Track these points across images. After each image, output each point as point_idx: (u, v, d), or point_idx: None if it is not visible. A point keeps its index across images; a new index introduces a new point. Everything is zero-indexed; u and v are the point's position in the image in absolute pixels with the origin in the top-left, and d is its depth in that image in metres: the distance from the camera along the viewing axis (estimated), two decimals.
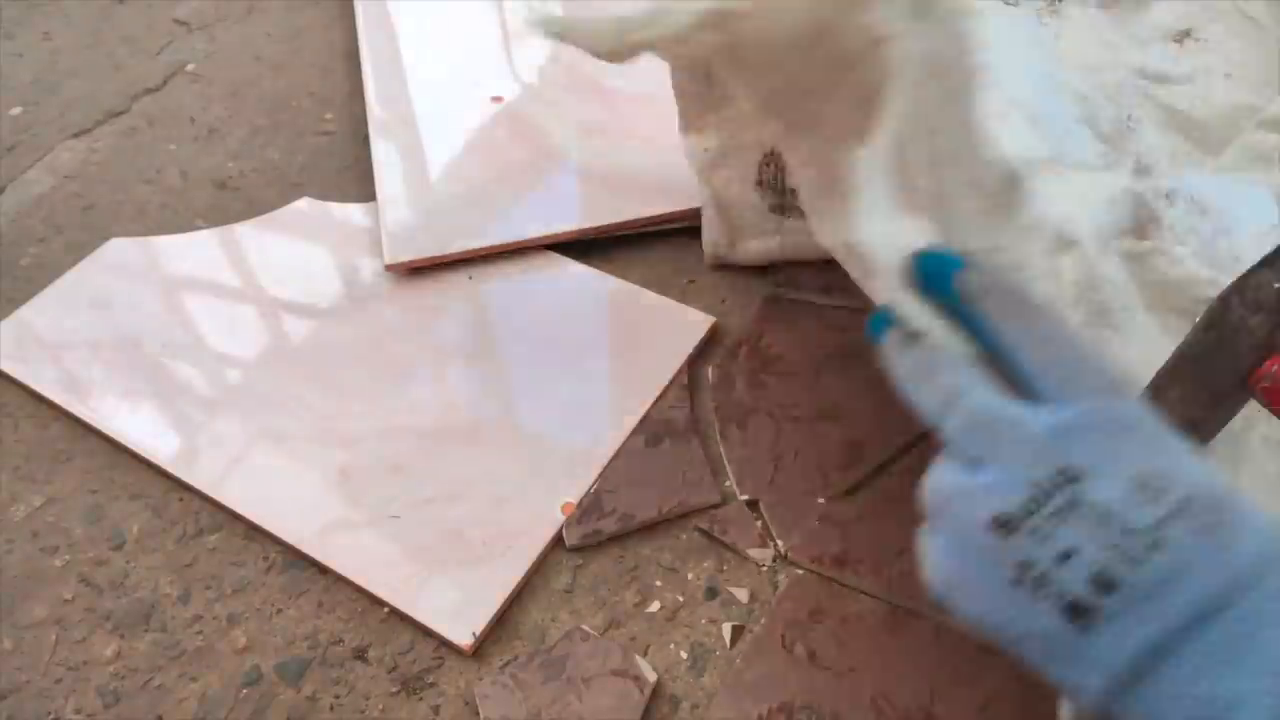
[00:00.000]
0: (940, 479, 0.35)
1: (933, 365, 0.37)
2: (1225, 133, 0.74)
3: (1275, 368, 0.50)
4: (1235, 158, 0.73)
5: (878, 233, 0.47)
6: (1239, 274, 0.50)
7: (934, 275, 0.39)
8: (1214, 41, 0.79)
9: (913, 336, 0.38)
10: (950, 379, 0.36)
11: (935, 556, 0.35)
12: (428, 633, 0.63)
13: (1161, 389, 0.56)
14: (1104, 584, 0.31)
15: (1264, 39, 0.80)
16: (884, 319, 0.39)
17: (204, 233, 0.86)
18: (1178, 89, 0.77)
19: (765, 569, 0.65)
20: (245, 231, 0.86)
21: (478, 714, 0.59)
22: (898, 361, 0.38)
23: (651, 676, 0.60)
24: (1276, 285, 0.48)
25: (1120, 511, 0.31)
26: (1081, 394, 0.34)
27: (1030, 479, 0.33)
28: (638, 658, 0.61)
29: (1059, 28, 0.80)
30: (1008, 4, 0.83)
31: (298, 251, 0.85)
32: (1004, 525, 0.33)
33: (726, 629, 0.63)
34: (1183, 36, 0.79)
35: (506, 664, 0.61)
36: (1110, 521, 0.31)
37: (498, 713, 0.59)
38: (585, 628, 0.63)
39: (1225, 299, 0.50)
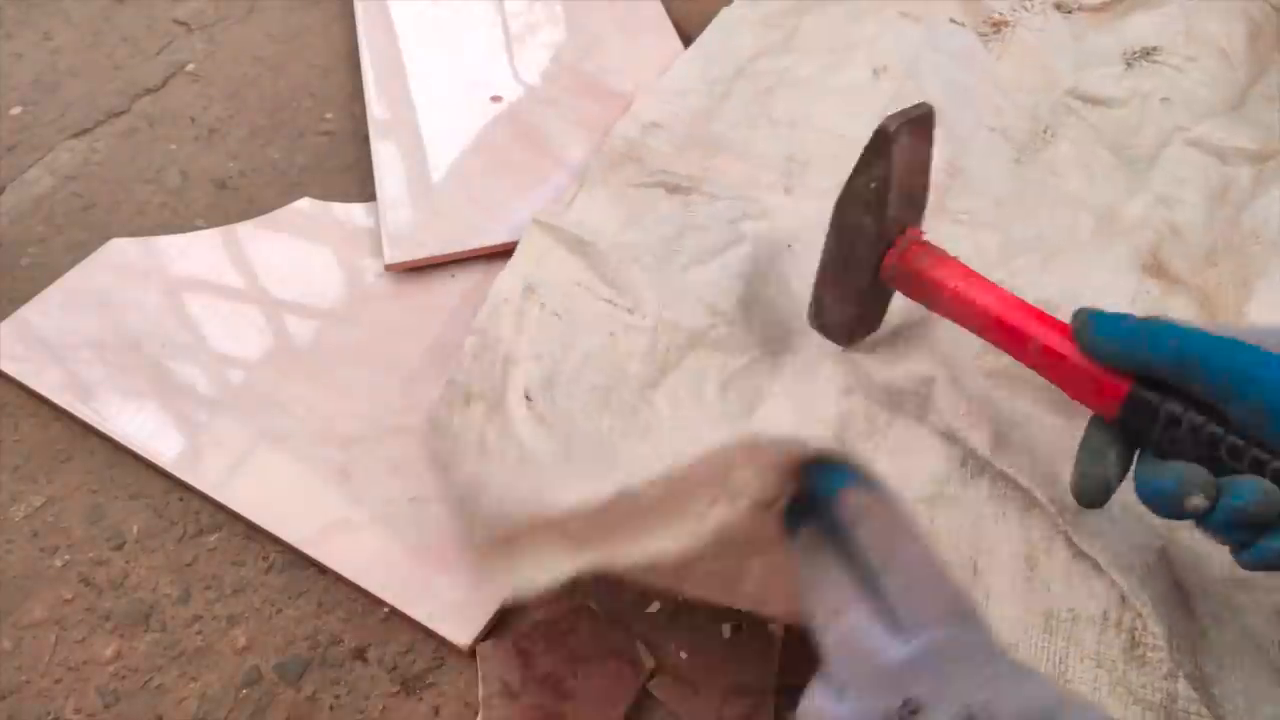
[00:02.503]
0: (811, 705, 0.39)
1: (826, 576, 0.41)
2: (1150, 150, 0.78)
3: (892, 261, 0.54)
4: (1162, 171, 0.76)
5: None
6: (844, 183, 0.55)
7: (822, 489, 0.42)
8: (1170, 66, 0.83)
9: (817, 543, 0.41)
10: (836, 595, 0.40)
11: None
12: (428, 633, 0.63)
13: (819, 299, 0.60)
14: None
15: (1227, 73, 0.83)
16: (797, 513, 0.42)
17: (204, 233, 0.86)
18: (1110, 111, 0.82)
19: None
20: (246, 231, 0.86)
21: (478, 713, 0.59)
22: (801, 560, 0.42)
23: (649, 662, 0.60)
24: (872, 185, 0.52)
25: None
26: (929, 623, 0.37)
27: (881, 710, 0.35)
28: (638, 642, 0.61)
29: (1001, 50, 0.86)
30: (953, 22, 0.87)
31: (298, 251, 0.85)
32: None
33: (726, 629, 0.63)
34: (1139, 57, 0.83)
35: (512, 629, 0.62)
36: None
37: (495, 673, 0.60)
38: (591, 605, 0.63)
39: (839, 207, 0.54)
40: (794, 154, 0.80)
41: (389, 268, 0.82)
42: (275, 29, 1.09)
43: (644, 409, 0.64)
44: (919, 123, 0.54)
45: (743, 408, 0.63)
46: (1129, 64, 0.84)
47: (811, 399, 0.62)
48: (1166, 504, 0.45)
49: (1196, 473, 0.44)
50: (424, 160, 0.90)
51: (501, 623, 0.63)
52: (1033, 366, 0.51)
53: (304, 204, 0.89)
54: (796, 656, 0.60)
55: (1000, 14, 0.88)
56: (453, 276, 0.82)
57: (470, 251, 0.83)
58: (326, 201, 0.89)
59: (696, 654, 0.62)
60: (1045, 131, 0.80)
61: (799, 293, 0.67)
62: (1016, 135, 0.80)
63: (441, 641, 0.63)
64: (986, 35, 0.86)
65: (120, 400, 0.74)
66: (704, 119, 0.82)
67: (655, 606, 0.64)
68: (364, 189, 0.90)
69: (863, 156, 0.53)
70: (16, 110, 0.99)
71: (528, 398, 0.65)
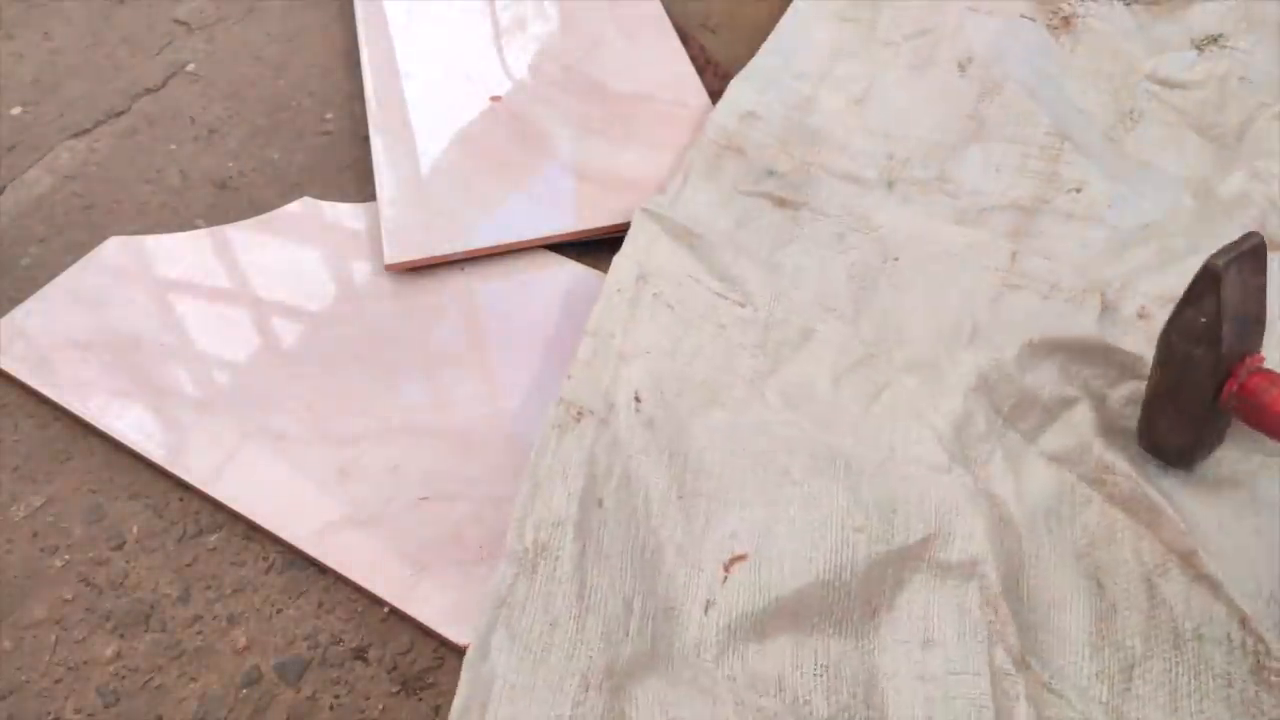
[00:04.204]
0: None
1: None
2: (1237, 128, 0.80)
3: (1234, 387, 0.53)
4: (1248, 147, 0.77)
5: None
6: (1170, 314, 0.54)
7: None
8: (1240, 50, 0.86)
9: None
10: None
11: None
12: (428, 633, 0.63)
13: (1151, 423, 0.59)
14: None
15: None
16: None
17: (202, 233, 0.86)
18: (1190, 93, 0.84)
19: None
20: (243, 232, 0.86)
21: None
22: None
23: None
24: (1202, 320, 0.51)
25: None
26: None
27: None
28: None
29: (1072, 42, 0.87)
30: (1024, 18, 0.88)
31: (294, 253, 0.85)
32: None
33: None
34: (1209, 43, 0.85)
35: None
36: None
37: None
38: None
39: (1166, 338, 0.54)
40: (893, 152, 0.81)
41: (389, 268, 0.82)
42: (275, 29, 1.08)
43: (755, 403, 0.65)
44: (1250, 256, 0.53)
45: (860, 401, 0.64)
46: (1200, 49, 0.87)
47: (935, 395, 0.63)
48: None
49: None
50: (423, 160, 0.90)
51: None
52: None
53: (298, 205, 0.89)
54: None
55: (1068, 7, 0.90)
56: (466, 276, 0.82)
57: (469, 251, 0.83)
58: (325, 201, 0.89)
59: None
60: (1131, 114, 0.83)
61: (905, 303, 0.69)
62: (1104, 118, 0.83)
63: (441, 641, 0.63)
64: (1056, 28, 0.88)
65: (119, 400, 0.74)
66: (799, 112, 0.83)
67: None
68: (363, 189, 0.90)
69: (1191, 289, 0.53)
70: (16, 110, 0.99)
71: (637, 399, 0.66)
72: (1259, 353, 0.56)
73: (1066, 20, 0.89)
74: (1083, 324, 0.63)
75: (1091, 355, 0.63)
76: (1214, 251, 0.53)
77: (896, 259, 0.72)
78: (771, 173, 0.77)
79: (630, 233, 0.75)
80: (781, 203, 0.75)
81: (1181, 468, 0.60)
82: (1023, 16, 0.89)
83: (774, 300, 0.69)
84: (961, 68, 0.84)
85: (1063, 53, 0.86)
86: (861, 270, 0.71)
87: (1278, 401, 0.53)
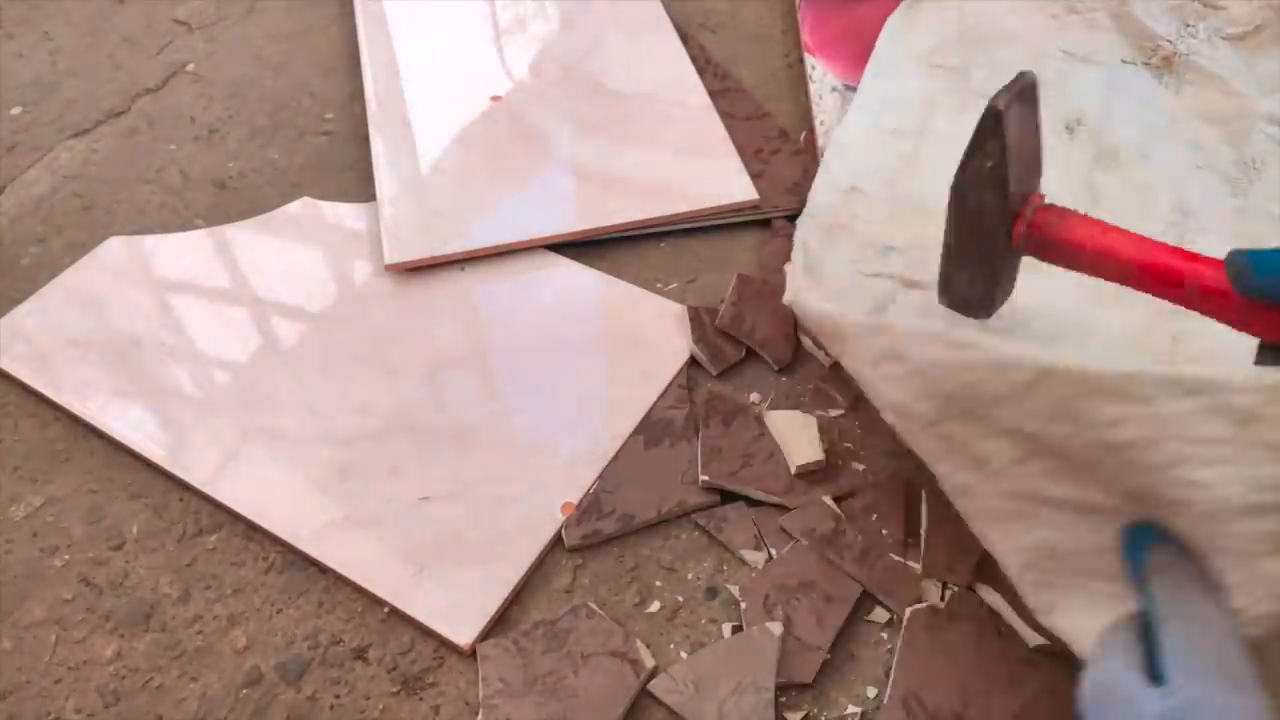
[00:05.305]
0: None
1: (1116, 630, 0.44)
2: None
3: (1023, 227, 0.55)
4: None
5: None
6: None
7: (1134, 545, 0.45)
8: None
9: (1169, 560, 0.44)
10: (1108, 637, 0.43)
11: None
12: (428, 633, 0.63)
13: (948, 278, 0.60)
14: None
15: None
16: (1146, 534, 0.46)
17: (202, 233, 0.86)
18: None
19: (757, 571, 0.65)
20: (243, 232, 0.87)
21: (478, 713, 0.59)
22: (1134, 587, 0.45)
23: (650, 662, 0.60)
24: (989, 164, 0.53)
25: None
26: (1194, 681, 0.38)
27: None
28: (638, 642, 0.61)
29: (1176, 83, 0.81)
30: (1125, 62, 0.83)
31: (294, 253, 0.85)
32: None
33: (726, 629, 0.63)
34: None
35: (512, 629, 0.62)
36: None
37: (495, 673, 0.60)
38: (591, 605, 0.63)
39: (956, 191, 0.56)
40: None
41: (389, 268, 0.82)
42: (275, 29, 1.09)
43: None
44: (1025, 93, 0.54)
45: None
46: None
47: None
48: None
49: None
50: (423, 160, 0.90)
51: (501, 623, 0.63)
52: (1188, 306, 0.52)
53: (299, 205, 0.89)
54: (796, 656, 0.61)
55: (1169, 45, 0.84)
56: (462, 269, 0.82)
57: (470, 252, 0.83)
58: (325, 202, 0.89)
59: (696, 654, 0.62)
60: (1253, 162, 0.77)
61: None
62: (1224, 169, 0.77)
63: (441, 641, 0.63)
64: (1159, 68, 0.83)
65: (119, 400, 0.74)
66: (902, 179, 0.76)
67: (655, 606, 0.64)
68: (364, 189, 0.90)
69: (975, 138, 0.54)
70: (16, 110, 0.99)
71: None
72: (1039, 191, 0.57)
73: (1168, 60, 0.82)
74: None
75: None
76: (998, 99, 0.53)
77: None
78: (890, 248, 0.71)
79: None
80: (911, 284, 0.68)
81: (983, 317, 0.60)
82: (1124, 62, 0.83)
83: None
84: (1070, 130, 0.78)
85: (1169, 96, 0.80)
86: None
87: (1065, 230, 0.54)
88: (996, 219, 0.55)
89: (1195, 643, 0.40)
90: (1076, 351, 0.51)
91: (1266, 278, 0.46)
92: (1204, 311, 0.51)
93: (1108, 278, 0.54)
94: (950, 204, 0.57)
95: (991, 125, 0.53)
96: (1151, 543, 0.45)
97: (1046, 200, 0.57)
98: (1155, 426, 0.47)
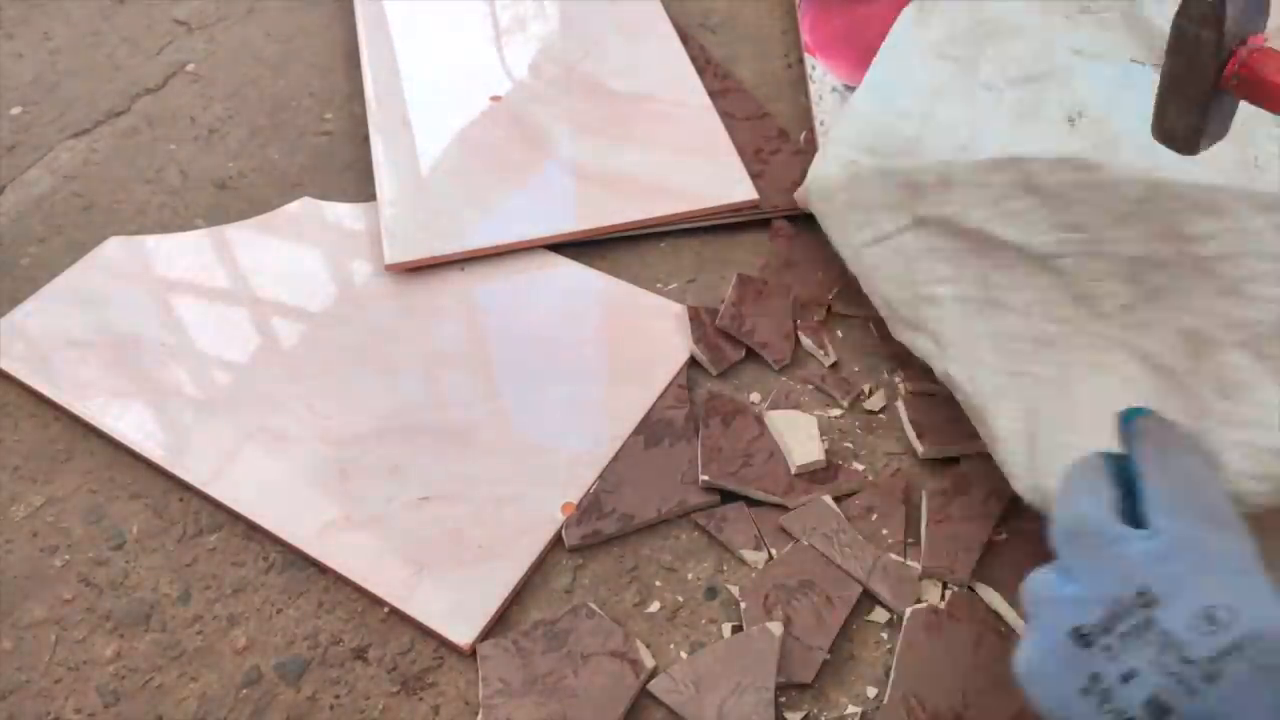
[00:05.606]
0: (1035, 583, 0.39)
1: (1084, 468, 0.43)
2: None
3: (1233, 69, 0.56)
4: None
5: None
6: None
7: (1128, 419, 0.45)
8: None
9: (1163, 433, 0.44)
10: (1080, 479, 0.42)
11: (1023, 651, 0.38)
12: (428, 633, 0.63)
13: (1161, 114, 0.62)
14: (1160, 709, 0.33)
15: None
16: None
17: (202, 233, 0.86)
18: None
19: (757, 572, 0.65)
20: (243, 232, 0.87)
21: (478, 713, 0.59)
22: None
23: (650, 662, 0.60)
24: (1210, 1, 0.55)
25: (1184, 640, 0.33)
26: (1181, 523, 0.37)
27: (1111, 596, 0.35)
28: (638, 642, 0.61)
29: None
30: (1134, 62, 0.83)
31: (294, 253, 0.85)
32: (1082, 637, 0.35)
33: (726, 629, 0.63)
34: None
35: (512, 629, 0.62)
36: (1172, 649, 0.33)
37: (495, 673, 0.60)
38: (591, 605, 0.63)
39: (1177, 25, 0.58)
40: None
41: (389, 268, 0.82)
42: (275, 29, 1.09)
43: None
44: None
45: None
46: None
47: None
48: None
49: None
50: (423, 160, 0.90)
51: (501, 623, 0.63)
52: None
53: (299, 205, 0.89)
54: (796, 656, 0.61)
55: None
56: (462, 269, 0.82)
57: (470, 252, 0.83)
58: (325, 202, 0.89)
59: (696, 654, 0.62)
60: (1255, 162, 0.78)
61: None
62: (1225, 167, 0.76)
63: (441, 641, 0.63)
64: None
65: (119, 399, 0.74)
66: (905, 158, 0.78)
67: (655, 606, 0.64)
68: (363, 189, 0.90)
69: None
70: (16, 110, 0.99)
71: None
72: (1261, 33, 0.58)
73: None
74: None
75: None
76: None
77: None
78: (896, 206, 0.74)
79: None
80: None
81: (1188, 152, 0.62)
82: (1133, 61, 0.82)
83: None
84: (1071, 122, 0.78)
85: None
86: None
87: (1276, 73, 0.55)
88: (1210, 54, 0.57)
89: (1180, 490, 0.39)
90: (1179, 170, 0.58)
91: None
92: None
93: None
94: (1170, 38, 0.58)
95: None
96: (1145, 415, 0.45)
97: (1267, 43, 0.58)
98: (1238, 241, 0.52)
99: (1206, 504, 0.39)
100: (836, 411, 0.74)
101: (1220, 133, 0.63)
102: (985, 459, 0.67)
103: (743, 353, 0.77)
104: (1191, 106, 0.60)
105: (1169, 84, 0.61)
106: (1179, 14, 0.58)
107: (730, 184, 0.88)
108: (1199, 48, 0.58)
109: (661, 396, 0.74)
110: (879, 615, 0.64)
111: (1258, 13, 0.58)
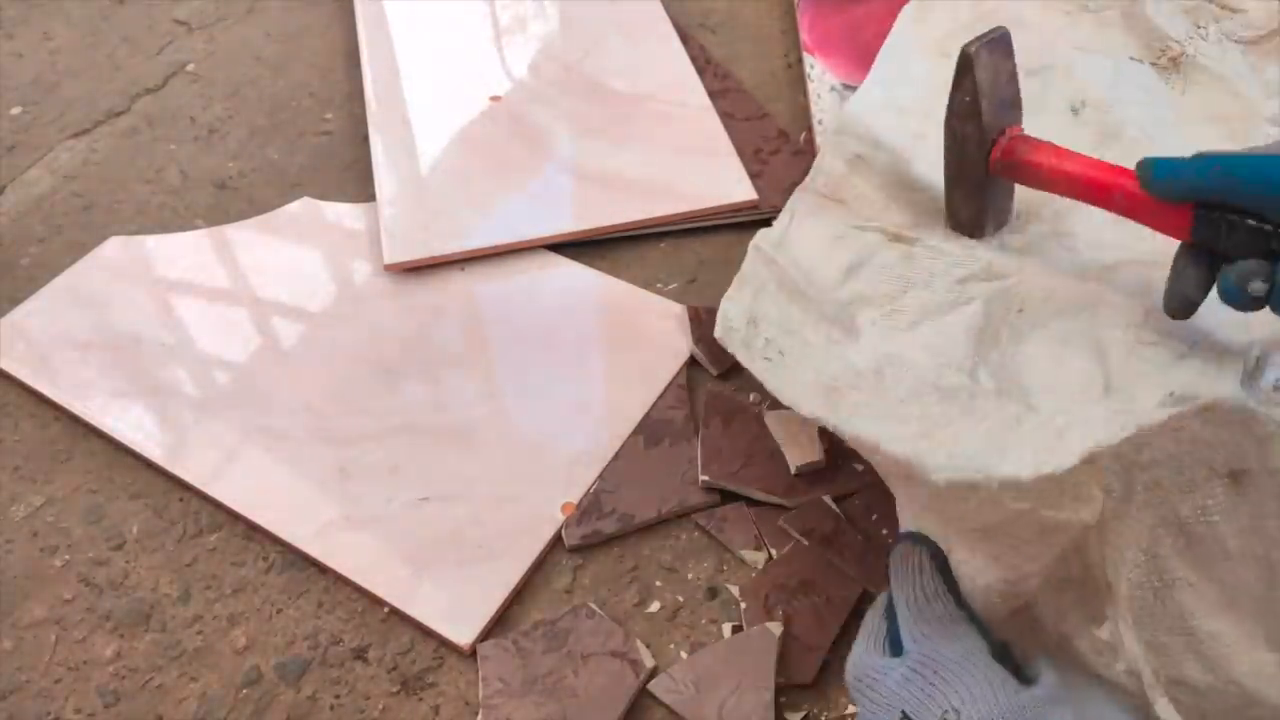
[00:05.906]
0: None
1: (874, 609, 0.53)
2: None
3: (996, 155, 0.63)
4: None
5: None
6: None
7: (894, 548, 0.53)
8: None
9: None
10: (866, 628, 0.51)
11: None
12: (428, 633, 0.63)
13: (949, 206, 0.68)
14: None
15: None
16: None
17: (202, 233, 0.86)
18: None
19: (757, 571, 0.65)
20: (243, 232, 0.87)
21: (478, 713, 0.59)
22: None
23: (649, 662, 0.60)
24: (965, 99, 0.62)
25: None
26: (922, 643, 0.45)
27: None
28: (638, 642, 0.61)
29: (1182, 84, 0.83)
30: (1133, 59, 0.84)
31: (294, 253, 0.85)
32: None
33: (726, 629, 0.63)
34: None
35: (512, 629, 0.62)
36: None
37: (495, 673, 0.60)
38: (591, 605, 0.63)
39: (948, 124, 0.64)
40: None
41: (388, 268, 0.82)
42: (275, 29, 1.09)
43: None
44: (997, 42, 0.63)
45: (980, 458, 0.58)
46: None
47: (1053, 452, 0.59)
48: (1236, 295, 0.49)
49: (1254, 265, 0.49)
50: (423, 160, 0.90)
51: (501, 623, 0.63)
52: (1118, 212, 0.59)
53: (299, 205, 0.89)
54: (796, 656, 0.61)
55: (1178, 45, 0.84)
56: (462, 269, 0.82)
57: (469, 251, 0.83)
58: (325, 202, 0.89)
59: (696, 654, 0.62)
60: None
61: (1031, 354, 0.63)
62: None
63: (441, 641, 0.63)
64: (1165, 69, 0.85)
65: (119, 400, 0.74)
66: (905, 160, 0.76)
67: (655, 606, 0.64)
68: (363, 189, 0.90)
69: (954, 78, 0.62)
70: (16, 110, 0.99)
71: None
72: (1018, 125, 0.64)
73: (1175, 61, 0.83)
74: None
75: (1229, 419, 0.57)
76: None
77: (1020, 310, 0.66)
78: (880, 224, 0.73)
79: (741, 271, 0.70)
80: (896, 238, 0.71)
81: (976, 237, 0.68)
82: (1132, 59, 0.84)
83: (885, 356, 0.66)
84: (1075, 111, 0.79)
85: (1174, 95, 0.82)
86: (984, 322, 0.65)
87: (1029, 154, 0.62)
88: (975, 146, 0.64)
89: (921, 612, 0.47)
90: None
91: (1162, 179, 0.53)
92: (1132, 216, 0.58)
93: (1063, 193, 0.61)
94: (945, 136, 0.65)
95: (964, 65, 0.62)
96: (903, 542, 0.51)
97: (1024, 133, 0.64)
98: None
99: (941, 619, 0.46)
100: None
101: (1003, 216, 0.69)
102: None
103: None
104: (970, 194, 0.66)
105: (950, 178, 0.67)
106: (947, 114, 0.65)
107: (730, 184, 0.88)
108: (965, 140, 0.64)
109: (661, 396, 0.74)
110: None
111: (1013, 108, 0.65)
